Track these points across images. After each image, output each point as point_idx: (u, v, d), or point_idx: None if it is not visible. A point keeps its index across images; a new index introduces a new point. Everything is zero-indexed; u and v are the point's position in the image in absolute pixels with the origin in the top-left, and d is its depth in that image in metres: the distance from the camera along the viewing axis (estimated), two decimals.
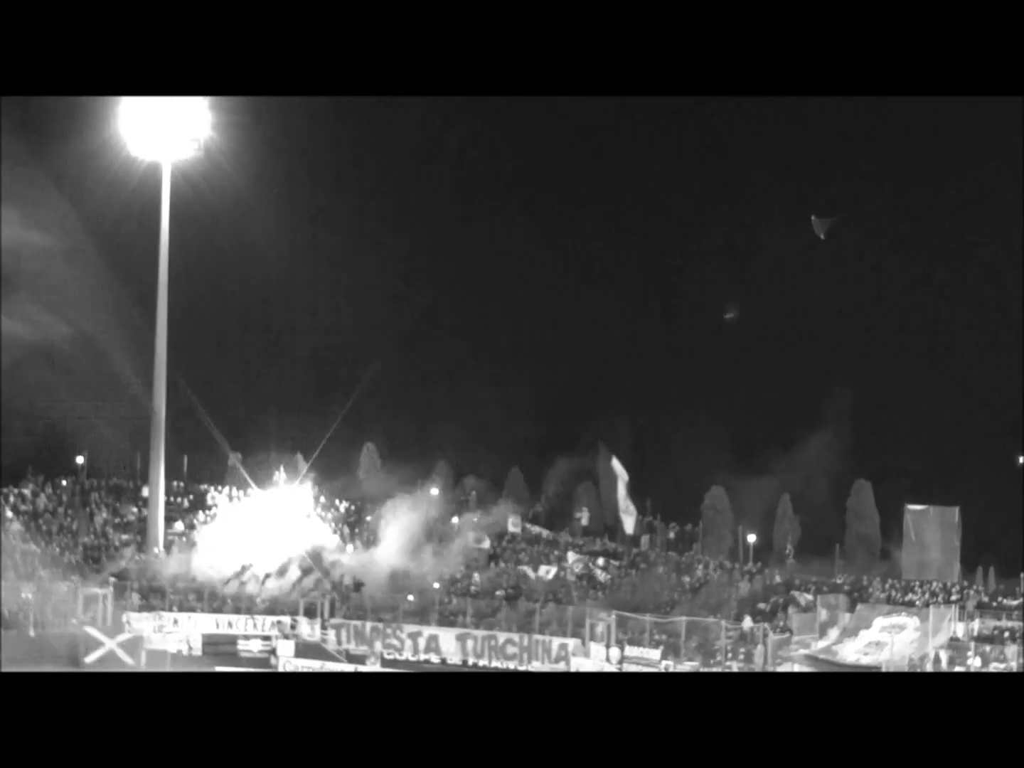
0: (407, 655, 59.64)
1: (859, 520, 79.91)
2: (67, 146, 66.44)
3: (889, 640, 55.78)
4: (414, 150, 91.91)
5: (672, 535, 75.57)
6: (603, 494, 74.38)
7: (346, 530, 70.02)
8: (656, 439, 79.64)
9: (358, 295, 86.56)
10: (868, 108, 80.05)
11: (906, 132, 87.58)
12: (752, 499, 74.18)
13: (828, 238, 76.58)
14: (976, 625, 56.39)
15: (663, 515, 76.56)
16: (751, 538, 73.85)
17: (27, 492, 67.22)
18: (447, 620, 61.37)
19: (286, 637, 60.09)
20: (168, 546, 66.41)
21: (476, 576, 65.85)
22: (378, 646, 60.01)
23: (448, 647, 59.68)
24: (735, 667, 56.28)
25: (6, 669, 42.98)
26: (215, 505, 71.25)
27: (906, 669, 52.78)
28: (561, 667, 57.84)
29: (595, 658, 57.57)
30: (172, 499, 70.34)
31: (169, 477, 70.01)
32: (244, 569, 63.67)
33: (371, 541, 68.69)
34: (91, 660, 55.65)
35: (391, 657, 59.40)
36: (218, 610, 61.11)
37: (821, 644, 57.15)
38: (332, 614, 61.60)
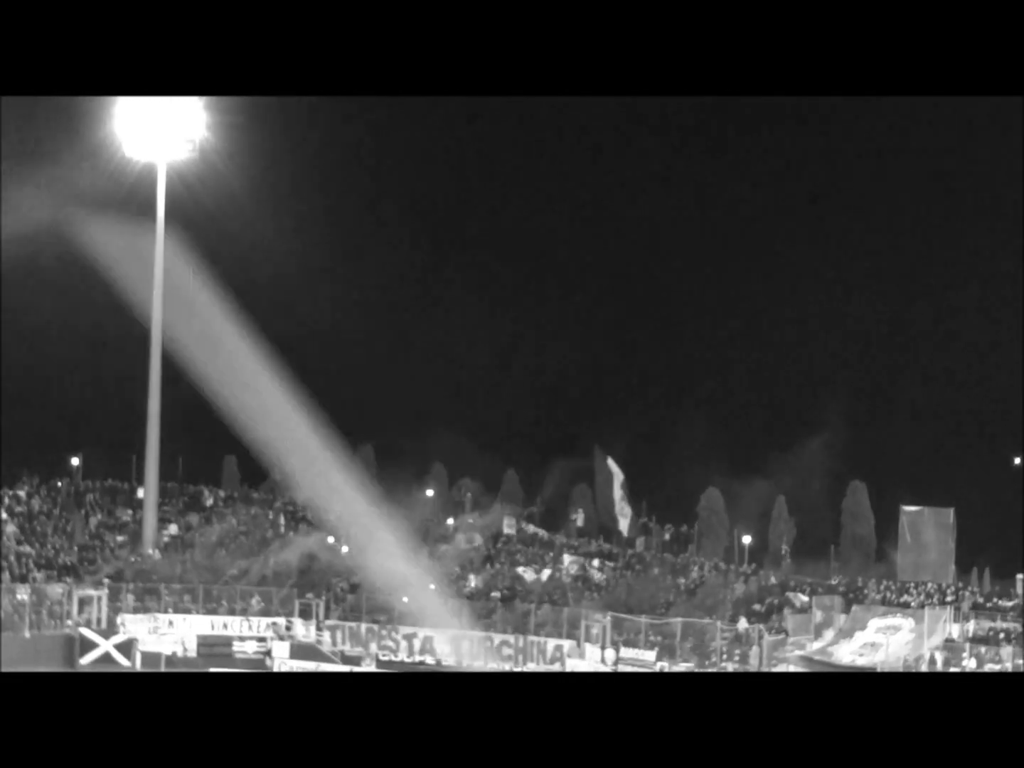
0: (402, 656, 59.61)
1: (854, 521, 79.98)
2: (63, 147, 66.39)
3: (884, 641, 55.78)
4: (412, 150, 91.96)
5: (668, 536, 75.59)
6: (599, 495, 74.39)
7: (342, 531, 69.89)
8: (652, 441, 79.66)
9: (354, 296, 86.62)
10: (868, 108, 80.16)
11: (905, 132, 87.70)
12: (747, 501, 74.21)
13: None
14: (971, 626, 56.39)
15: (659, 517, 76.60)
16: (746, 539, 73.89)
17: (22, 494, 67.17)
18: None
19: (281, 638, 60.05)
20: (163, 547, 66.36)
21: (472, 577, 65.82)
22: (373, 647, 59.98)
23: (443, 648, 59.65)
24: (730, 668, 56.28)
25: (1, 670, 42.93)
26: (210, 506, 71.22)
27: (901, 670, 52.79)
28: (556, 668, 57.82)
29: (590, 659, 57.56)
30: (167, 500, 70.28)
31: (164, 478, 69.96)
32: (239, 571, 63.63)
33: (366, 542, 68.59)
34: (86, 661, 55.63)
35: (386, 658, 59.36)
36: (213, 611, 61.08)
37: (816, 645, 57.14)
38: (327, 615, 61.57)
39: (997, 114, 75.67)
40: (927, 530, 64.55)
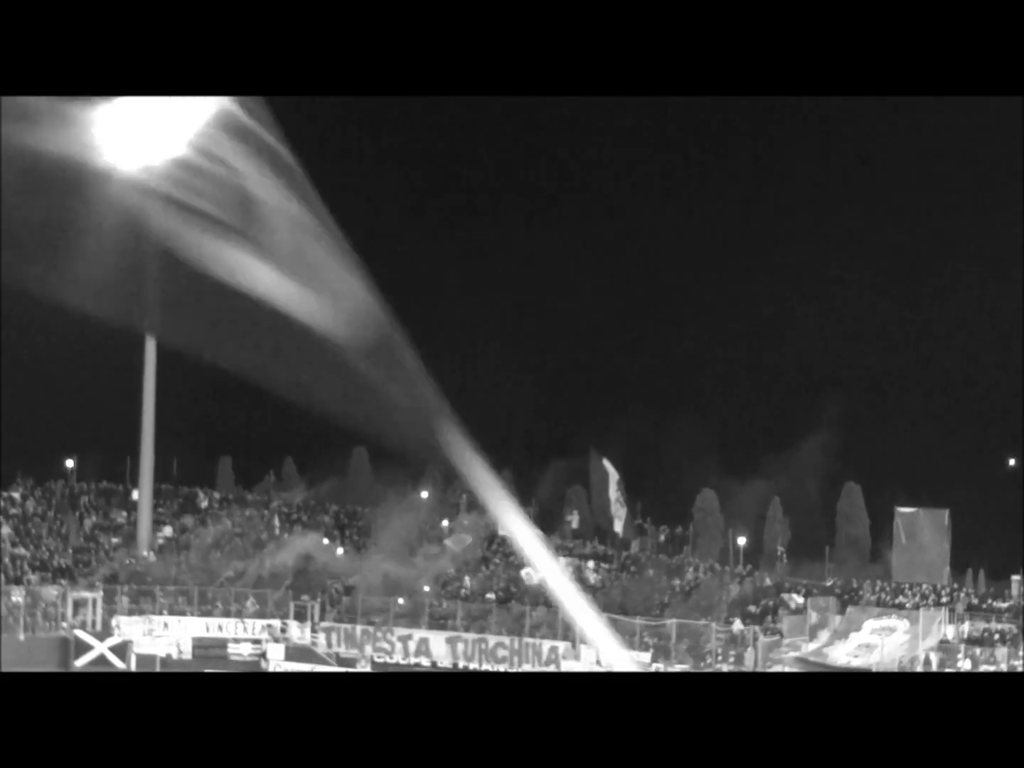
0: (397, 658, 59.61)
1: (849, 523, 80.00)
2: (51, 148, 66.29)
3: (879, 642, 55.82)
4: (409, 151, 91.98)
5: (663, 538, 75.60)
6: (594, 496, 74.39)
7: (336, 533, 69.97)
8: (647, 442, 79.66)
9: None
10: (867, 108, 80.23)
11: (904, 132, 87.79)
12: (742, 502, 74.22)
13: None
14: (966, 627, 56.45)
15: (654, 518, 76.60)
16: (741, 541, 73.89)
17: (16, 496, 67.12)
18: (438, 623, 61.36)
19: (276, 640, 60.02)
20: (158, 549, 66.33)
21: (467, 579, 65.83)
22: (368, 649, 59.96)
23: (438, 650, 59.65)
24: (725, 670, 56.30)
25: None
26: (205, 508, 71.21)
27: (896, 671, 52.82)
28: (551, 670, 57.82)
29: (585, 661, 57.54)
30: (162, 502, 70.25)
31: (159, 480, 69.94)
32: (235, 572, 63.61)
33: (361, 544, 68.68)
34: (81, 664, 55.60)
35: (381, 660, 59.35)
36: (208, 613, 61.05)
37: (811, 646, 57.16)
38: (322, 617, 61.57)
39: (997, 114, 75.78)
40: (922, 531, 64.63)
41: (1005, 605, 58.39)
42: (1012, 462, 77.11)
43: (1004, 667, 52.85)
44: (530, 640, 59.11)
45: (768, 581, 65.09)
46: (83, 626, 57.39)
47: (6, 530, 63.19)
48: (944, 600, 59.11)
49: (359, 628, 60.75)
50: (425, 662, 59.20)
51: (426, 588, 63.94)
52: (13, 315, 64.81)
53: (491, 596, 64.05)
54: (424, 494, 74.72)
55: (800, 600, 60.63)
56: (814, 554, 72.64)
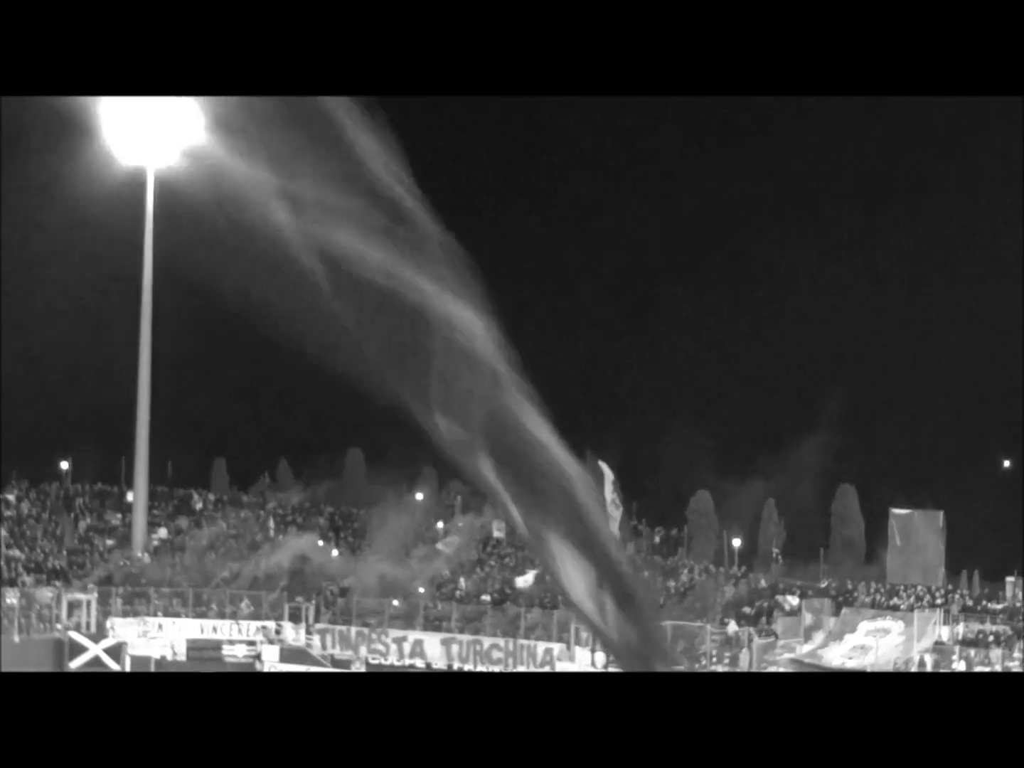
0: (392, 660, 59.59)
1: (844, 524, 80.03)
2: (49, 151, 66.28)
3: (874, 644, 55.85)
4: (404, 153, 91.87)
5: (657, 539, 75.60)
6: None
7: (331, 535, 69.95)
8: (642, 444, 79.66)
9: (344, 299, 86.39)
10: (867, 108, 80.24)
11: (904, 133, 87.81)
12: (737, 503, 74.24)
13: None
14: (961, 629, 56.50)
15: (648, 519, 76.61)
16: (736, 542, 73.91)
17: (11, 498, 67.04)
18: (432, 625, 61.33)
19: (271, 642, 59.98)
20: (153, 551, 66.28)
21: (462, 581, 65.82)
22: (363, 651, 59.94)
23: (433, 652, 59.64)
24: (720, 671, 56.29)
25: None
26: (200, 510, 71.18)
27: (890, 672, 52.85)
28: (546, 671, 57.80)
29: (580, 663, 57.54)
30: (156, 504, 70.21)
31: (153, 482, 69.90)
32: (230, 574, 63.56)
33: (356, 546, 68.68)
34: (75, 666, 55.52)
35: (376, 662, 59.33)
36: (203, 615, 61.01)
37: (806, 648, 57.18)
38: (317, 619, 61.54)
39: (997, 114, 75.83)
40: (917, 533, 64.66)
41: (1000, 607, 58.46)
42: (1007, 464, 77.23)
43: (999, 668, 52.90)
44: (525, 642, 59.10)
45: (763, 583, 65.10)
46: (78, 628, 57.32)
47: (1, 532, 63.12)
48: (939, 602, 59.17)
49: (354, 630, 60.73)
50: (420, 664, 59.17)
51: (421, 590, 63.92)
52: (9, 317, 64.95)
53: (486, 598, 64.05)
54: (419, 496, 74.74)
55: (795, 602, 60.64)
56: (809, 556, 72.71)
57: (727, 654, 57.29)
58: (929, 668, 53.74)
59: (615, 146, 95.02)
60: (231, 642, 59.95)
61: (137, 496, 67.71)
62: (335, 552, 67.65)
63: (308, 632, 60.79)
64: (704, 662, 57.06)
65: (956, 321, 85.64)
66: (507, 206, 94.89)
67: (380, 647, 60.02)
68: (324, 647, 60.32)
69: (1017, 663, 53.30)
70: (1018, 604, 58.62)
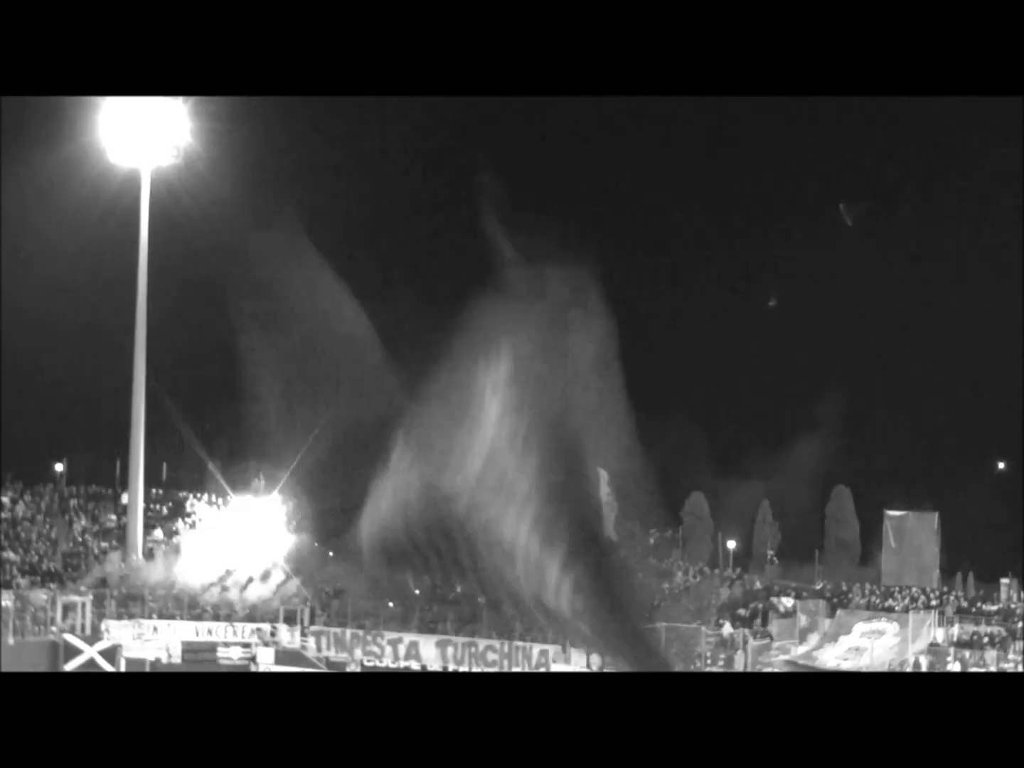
0: (387, 662, 59.56)
1: (838, 526, 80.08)
2: (46, 152, 66.31)
3: (869, 645, 55.93)
4: (398, 154, 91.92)
5: (652, 541, 75.52)
6: None
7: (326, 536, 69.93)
8: (637, 445, 79.53)
9: (339, 301, 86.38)
10: (867, 108, 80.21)
11: (904, 132, 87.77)
12: (732, 505, 74.27)
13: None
14: (956, 630, 56.61)
15: (643, 521, 76.44)
16: (731, 544, 73.96)
17: (6, 500, 67.02)
18: (428, 627, 61.30)
19: (266, 644, 59.94)
20: (148, 553, 66.25)
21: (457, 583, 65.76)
22: (358, 653, 59.90)
23: (428, 654, 59.62)
24: (715, 672, 56.32)
25: None
26: (195, 512, 71.16)
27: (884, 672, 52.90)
28: (541, 671, 57.79)
29: (575, 664, 57.55)
30: (151, 506, 70.18)
31: (148, 484, 69.85)
32: (225, 575, 63.54)
33: (351, 548, 68.54)
34: (70, 668, 55.46)
35: (371, 664, 59.30)
36: (198, 617, 60.93)
37: (801, 650, 57.27)
38: (312, 621, 61.51)
39: (996, 114, 75.86)
40: (912, 535, 64.75)
41: (994, 608, 58.56)
42: (1001, 466, 77.32)
43: (993, 670, 52.96)
44: (520, 644, 59.09)
45: (758, 584, 65.19)
46: (72, 630, 57.24)
47: None
48: (933, 603, 59.28)
49: (349, 632, 60.70)
50: (415, 666, 59.15)
51: (416, 592, 63.88)
52: (3, 319, 64.93)
53: (481, 600, 64.01)
54: None
55: (790, 603, 60.73)
56: (804, 557, 72.73)
57: (722, 656, 57.32)
58: (924, 669, 53.79)
59: (611, 144, 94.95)
60: (226, 644, 59.90)
61: (132, 498, 67.69)
62: (331, 553, 67.60)
63: (303, 634, 60.74)
64: (699, 664, 57.06)
65: (951, 323, 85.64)
66: (505, 207, 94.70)
67: (375, 649, 59.99)
68: (319, 649, 60.27)
69: (1012, 665, 53.36)
70: (1013, 605, 58.70)
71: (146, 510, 68.88)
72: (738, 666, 56.52)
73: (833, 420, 69.60)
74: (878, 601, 60.38)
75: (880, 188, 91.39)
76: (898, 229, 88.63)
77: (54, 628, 57.35)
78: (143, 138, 65.87)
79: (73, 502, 69.66)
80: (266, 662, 59.01)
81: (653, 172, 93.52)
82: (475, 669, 58.64)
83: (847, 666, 54.84)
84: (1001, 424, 75.78)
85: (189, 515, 70.71)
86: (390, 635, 60.32)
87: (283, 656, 59.22)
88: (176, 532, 68.48)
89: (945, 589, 62.63)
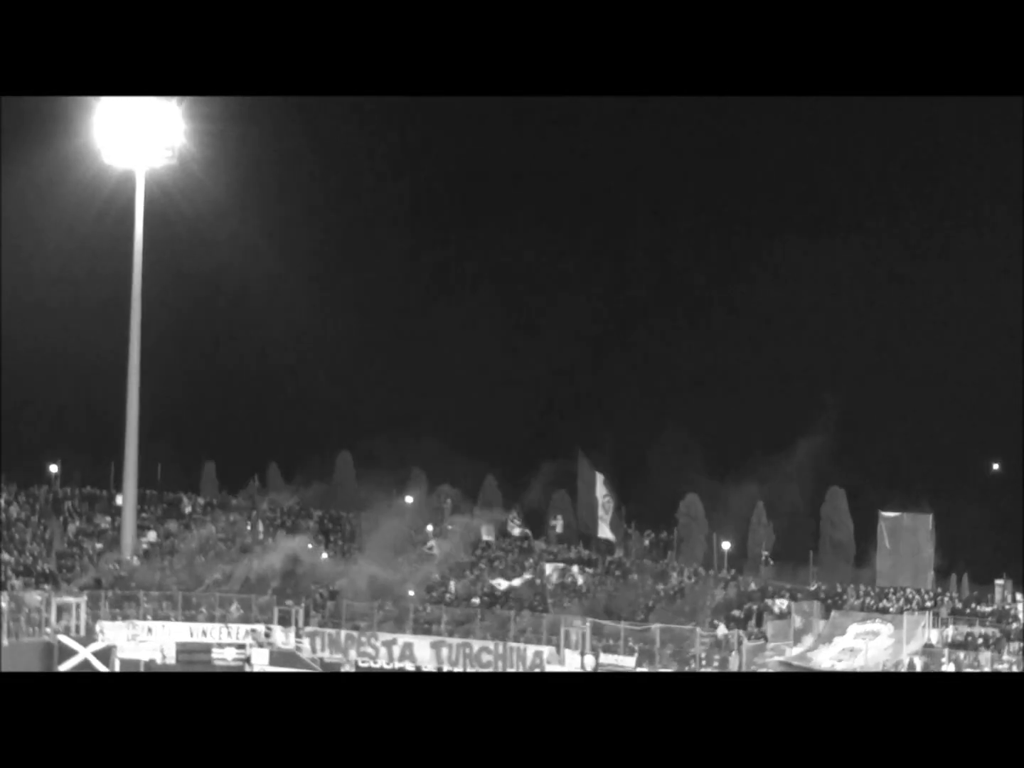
0: (382, 663, 59.54)
1: (833, 527, 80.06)
2: (41, 153, 66.29)
3: (864, 647, 55.95)
4: (392, 155, 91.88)
5: (647, 542, 75.59)
6: (581, 497, 74.32)
7: (321, 538, 69.91)
8: (632, 447, 79.67)
9: (335, 303, 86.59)
10: (867, 108, 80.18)
11: (904, 132, 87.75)
12: (727, 506, 74.24)
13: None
14: (950, 631, 56.61)
15: (638, 523, 76.58)
16: (726, 545, 73.95)
17: (0, 501, 66.91)
18: (422, 628, 61.29)
19: (260, 645, 59.89)
20: (142, 554, 66.20)
21: (452, 584, 65.79)
22: (352, 654, 59.87)
23: (423, 655, 59.61)
24: (709, 672, 56.31)
25: None
26: (189, 513, 71.13)
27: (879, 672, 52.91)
28: (536, 672, 57.77)
29: (570, 665, 57.56)
30: (146, 508, 70.11)
31: (142, 486, 69.79)
32: (222, 576, 63.52)
33: (346, 549, 68.66)
34: (65, 669, 55.40)
35: (366, 665, 59.28)
36: (192, 618, 60.90)
37: (796, 651, 57.27)
38: (307, 622, 61.48)
39: (996, 114, 75.85)
40: (906, 536, 64.71)
41: (988, 609, 58.55)
42: (996, 467, 77.33)
43: (988, 671, 52.98)
44: (515, 645, 59.09)
45: (752, 585, 65.17)
46: (67, 631, 57.19)
47: None
48: (928, 604, 59.25)
49: (343, 633, 60.68)
50: (410, 667, 59.12)
51: (411, 592, 63.90)
52: None
53: (476, 601, 64.05)
54: (409, 499, 74.69)
55: (784, 605, 60.71)
56: (798, 558, 72.70)
57: (717, 657, 57.33)
58: (919, 671, 53.82)
59: (609, 147, 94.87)
60: (220, 645, 59.85)
61: (126, 499, 67.64)
62: (325, 555, 67.62)
63: (298, 635, 60.71)
64: (694, 665, 57.08)
65: (948, 324, 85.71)
66: (503, 209, 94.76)
67: (370, 650, 59.97)
68: (314, 650, 60.25)
69: (1006, 666, 53.38)
70: (1007, 607, 58.72)
71: (140, 511, 68.81)
72: (733, 667, 56.55)
73: (828, 421, 69.55)
74: (872, 602, 60.36)
75: (879, 188, 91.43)
76: (895, 230, 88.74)
77: (48, 629, 57.32)
78: (138, 139, 65.82)
79: (67, 503, 69.54)
80: (261, 663, 58.98)
81: (651, 172, 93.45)
82: (470, 670, 58.62)
83: (841, 667, 54.87)
84: (996, 425, 75.82)
85: (183, 516, 70.69)
86: (384, 636, 60.30)
87: (278, 657, 59.20)
88: (170, 533, 68.44)
89: (939, 590, 62.58)
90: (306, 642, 60.57)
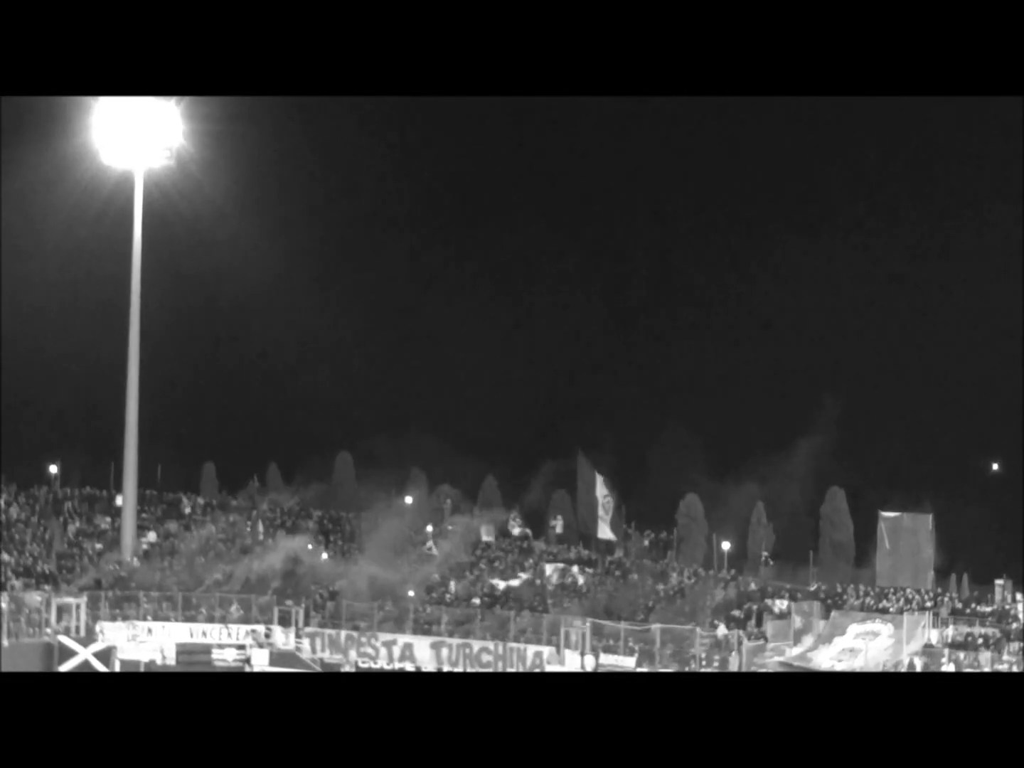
0: (382, 664, 59.53)
1: (833, 527, 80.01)
2: (39, 154, 66.28)
3: (863, 647, 55.95)
4: (392, 155, 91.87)
5: (647, 543, 75.57)
6: (580, 497, 74.33)
7: (321, 538, 69.91)
8: (632, 448, 79.63)
9: (334, 303, 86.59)
10: (867, 108, 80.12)
11: (904, 132, 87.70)
12: (727, 507, 74.21)
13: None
14: (950, 632, 56.62)
15: (638, 523, 76.58)
16: (726, 545, 73.93)
17: (0, 502, 66.92)
18: (422, 628, 61.29)
19: (260, 646, 59.88)
20: (142, 555, 66.20)
21: (452, 584, 65.80)
22: (352, 655, 59.87)
23: (423, 655, 59.61)
24: (710, 672, 56.31)
25: None
26: (189, 514, 71.14)
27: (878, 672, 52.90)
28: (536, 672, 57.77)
29: (570, 666, 57.56)
30: (146, 508, 70.11)
31: (142, 486, 69.79)
32: (222, 576, 63.53)
33: (346, 549, 68.67)
34: (65, 670, 55.40)
35: (366, 665, 59.27)
36: (192, 619, 60.90)
37: (796, 651, 57.29)
38: (307, 622, 61.47)
39: (996, 114, 75.81)
40: (906, 536, 64.71)
41: (988, 609, 58.57)
42: (995, 467, 77.31)
43: (988, 671, 52.97)
44: (515, 645, 59.08)
45: (752, 586, 65.18)
46: (67, 632, 57.19)
47: None
48: (928, 604, 59.26)
49: (343, 633, 60.68)
50: (410, 667, 59.11)
51: (411, 593, 63.91)
52: None
53: (476, 601, 64.05)
54: (408, 499, 74.69)
55: (784, 605, 60.73)
56: (798, 559, 72.67)
57: (717, 657, 57.33)
58: (919, 671, 53.81)
59: (611, 148, 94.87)
60: (220, 646, 59.84)
61: (126, 500, 67.64)
62: (325, 555, 67.64)
63: (298, 636, 60.71)
64: (694, 665, 57.08)
65: (948, 324, 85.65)
66: (500, 210, 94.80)
67: (370, 651, 59.97)
68: (314, 651, 60.25)
69: (1006, 666, 53.38)
70: (1007, 607, 58.72)
71: (140, 512, 68.83)
72: (733, 667, 56.55)
73: (828, 421, 69.53)
74: (872, 602, 60.37)
75: (879, 189, 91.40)
76: (895, 230, 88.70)
77: (48, 630, 57.33)
78: (136, 140, 65.81)
79: (67, 504, 69.54)
80: (261, 664, 58.97)
81: (651, 172, 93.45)
82: (469, 670, 58.61)
83: (841, 667, 54.87)
84: (996, 425, 75.80)
85: (183, 516, 70.70)
86: (385, 636, 60.31)
87: (277, 658, 59.19)
88: (170, 534, 68.44)
89: (939, 590, 62.58)
90: (306, 643, 60.58)
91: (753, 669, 55.75)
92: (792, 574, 69.97)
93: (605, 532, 72.00)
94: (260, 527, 69.70)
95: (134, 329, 67.07)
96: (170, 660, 58.80)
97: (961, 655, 54.51)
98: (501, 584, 66.01)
